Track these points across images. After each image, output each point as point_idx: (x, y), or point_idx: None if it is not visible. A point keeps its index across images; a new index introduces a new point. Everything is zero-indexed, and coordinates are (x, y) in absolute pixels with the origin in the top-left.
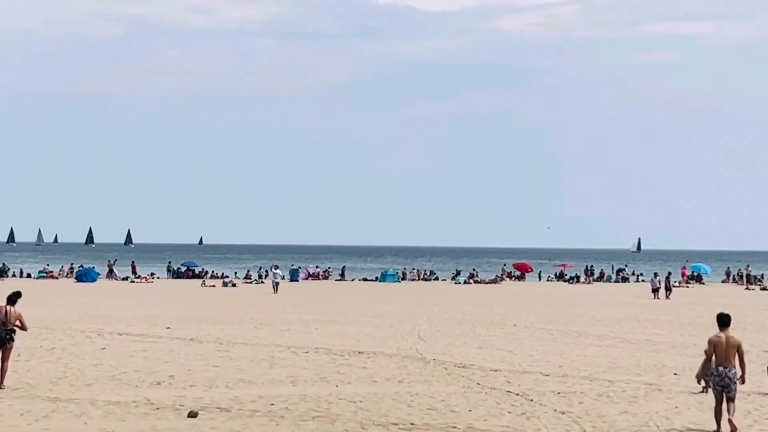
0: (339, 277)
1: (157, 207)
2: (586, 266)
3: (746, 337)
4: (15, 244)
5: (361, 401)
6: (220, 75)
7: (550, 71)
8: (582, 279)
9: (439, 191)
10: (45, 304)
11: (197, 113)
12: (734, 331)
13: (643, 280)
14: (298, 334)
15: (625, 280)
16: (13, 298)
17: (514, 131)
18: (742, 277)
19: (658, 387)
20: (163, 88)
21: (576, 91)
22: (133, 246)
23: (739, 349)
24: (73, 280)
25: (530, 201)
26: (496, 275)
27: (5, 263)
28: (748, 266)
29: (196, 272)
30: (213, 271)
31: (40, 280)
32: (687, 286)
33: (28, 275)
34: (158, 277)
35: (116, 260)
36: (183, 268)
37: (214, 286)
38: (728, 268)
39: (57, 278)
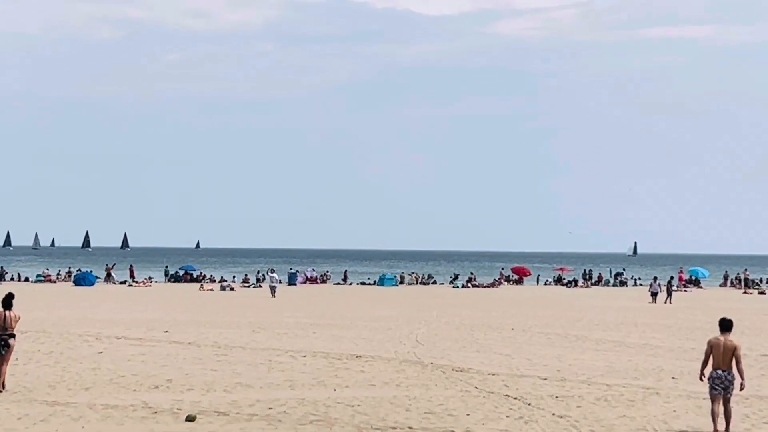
0: (341, 281)
1: (154, 211)
2: (584, 270)
3: (744, 340)
4: (11, 248)
5: (359, 405)
6: (219, 78)
7: (549, 75)
8: (580, 283)
9: (438, 195)
10: (43, 307)
11: (195, 116)
12: (732, 335)
13: (641, 284)
14: (296, 337)
15: (623, 284)
16: (9, 301)
17: (512, 135)
18: (740, 281)
19: (656, 391)
20: (162, 91)
21: (575, 95)
22: (129, 250)
23: (735, 353)
24: (71, 283)
25: (528, 204)
26: (494, 279)
27: (3, 267)
28: (746, 270)
29: (194, 276)
30: (212, 276)
31: (38, 284)
32: (685, 290)
33: (26, 279)
34: (156, 281)
35: (114, 264)
36: (181, 272)
37: (212, 289)
38: (726, 272)
39: (55, 282)
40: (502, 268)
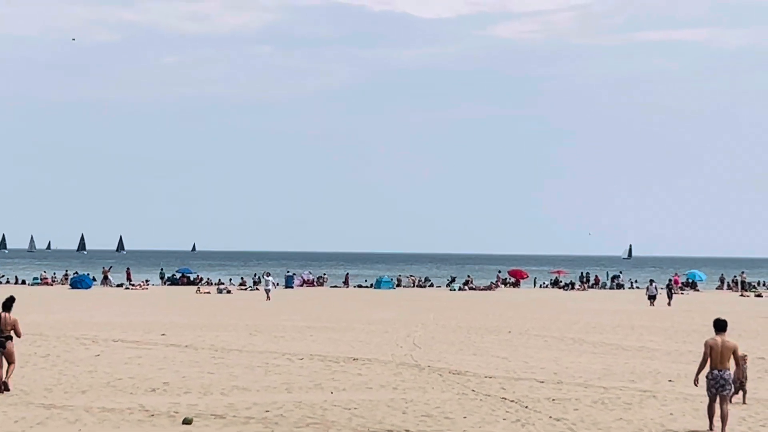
0: (343, 284)
1: (150, 213)
2: (581, 273)
3: (741, 343)
4: (7, 251)
5: (356, 408)
6: (216, 81)
7: (546, 78)
8: (577, 286)
9: (434, 198)
10: (40, 310)
11: (192, 119)
12: (729, 338)
13: (638, 287)
14: (293, 340)
15: (620, 287)
16: (8, 303)
17: (509, 138)
18: (736, 283)
19: (653, 394)
20: (159, 94)
21: (573, 98)
22: (125, 252)
23: (735, 353)
24: (68, 286)
25: (524, 207)
26: (491, 282)
27: None
28: (743, 273)
29: (191, 279)
30: (209, 279)
31: (35, 287)
32: (682, 293)
33: (23, 282)
34: (153, 284)
35: (111, 267)
36: (178, 275)
37: (208, 292)
38: (723, 274)
39: (52, 285)
40: (499, 271)
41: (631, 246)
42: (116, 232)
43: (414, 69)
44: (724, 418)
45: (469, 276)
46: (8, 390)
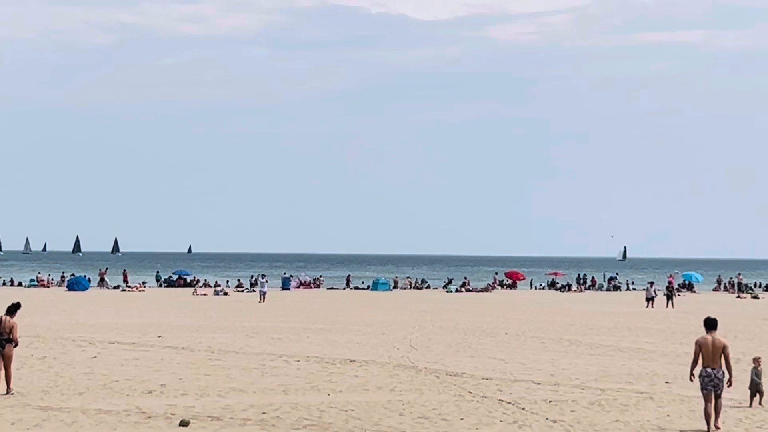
0: (345, 286)
1: (146, 215)
2: (578, 274)
3: (737, 345)
4: (2, 253)
5: (352, 410)
6: (213, 83)
7: (543, 80)
8: (573, 287)
9: (431, 199)
10: (36, 312)
11: (188, 121)
12: (722, 336)
13: (634, 289)
14: (290, 342)
15: (616, 288)
16: (13, 309)
17: (506, 139)
18: (733, 285)
19: (650, 395)
20: (155, 96)
21: (570, 99)
22: (120, 254)
23: (724, 351)
24: (65, 288)
25: (519, 209)
26: (488, 283)
27: None
28: (739, 274)
29: (188, 281)
30: (206, 280)
31: (32, 289)
32: (679, 295)
33: (19, 284)
34: (149, 286)
35: (107, 269)
36: (174, 277)
37: (205, 294)
38: (720, 276)
39: (48, 287)
40: (496, 273)
41: (625, 248)
42: (111, 234)
43: (411, 71)
44: (717, 410)
45: (465, 278)
46: (12, 393)
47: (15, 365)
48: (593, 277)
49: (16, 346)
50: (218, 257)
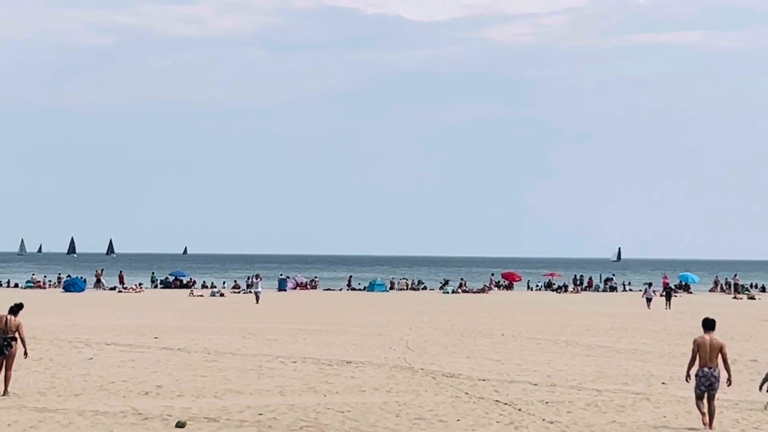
0: (346, 287)
1: (141, 216)
2: (574, 275)
3: (734, 346)
4: None
5: (349, 411)
6: (209, 84)
7: (540, 81)
8: (570, 288)
9: (428, 200)
10: (32, 314)
11: (187, 122)
12: (719, 337)
13: (630, 290)
14: (286, 343)
15: (613, 289)
16: (16, 309)
17: (503, 140)
18: (729, 286)
19: (646, 396)
20: (152, 97)
21: (566, 100)
22: (115, 256)
23: (722, 351)
24: (61, 289)
25: (515, 210)
26: (485, 284)
27: None
28: (735, 275)
29: (184, 282)
30: (204, 282)
31: (28, 290)
32: (675, 296)
33: (16, 285)
34: (145, 287)
35: (104, 270)
36: (171, 278)
37: (201, 296)
38: (717, 277)
39: (44, 288)
40: (492, 274)
41: (620, 249)
42: (106, 235)
43: (408, 72)
44: (711, 413)
45: (462, 279)
46: (6, 395)
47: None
48: (590, 278)
49: (25, 350)
50: (214, 258)
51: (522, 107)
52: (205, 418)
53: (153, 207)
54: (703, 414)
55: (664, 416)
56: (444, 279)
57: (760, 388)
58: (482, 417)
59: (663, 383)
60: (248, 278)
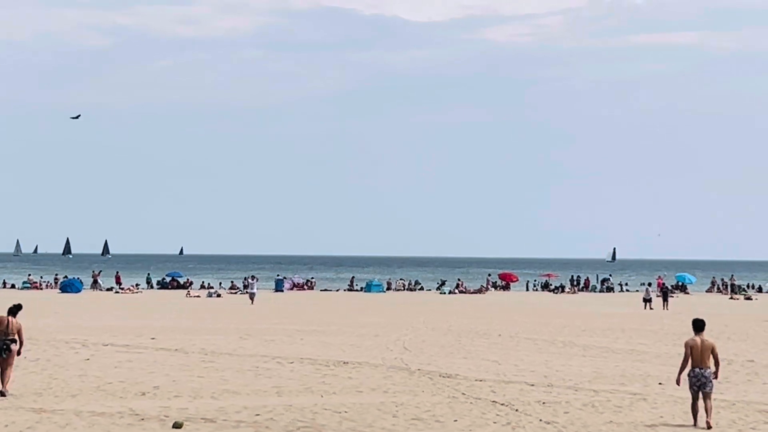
0: (348, 287)
1: (137, 217)
2: (572, 276)
3: (731, 346)
4: None
5: (346, 412)
6: (208, 85)
7: (537, 82)
8: (567, 289)
9: (425, 201)
10: (29, 314)
11: (185, 123)
12: (719, 341)
13: (627, 290)
14: (284, 344)
15: (610, 289)
16: (15, 310)
17: (500, 141)
18: (726, 286)
19: (643, 397)
20: (150, 98)
21: (563, 101)
22: (110, 257)
23: (713, 351)
24: (58, 290)
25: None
26: (482, 285)
27: None
28: (732, 276)
29: (181, 283)
30: (203, 282)
31: (25, 291)
32: (672, 296)
33: (12, 286)
34: (143, 288)
35: (101, 271)
36: (167, 279)
37: (198, 296)
38: (713, 277)
39: (41, 289)
40: (489, 275)
41: (615, 249)
42: (101, 236)
43: (406, 73)
44: (708, 410)
45: (459, 279)
46: (4, 396)
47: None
48: (587, 279)
49: (20, 349)
50: (210, 259)
51: (520, 108)
52: (202, 418)
53: (149, 207)
54: (695, 417)
55: (661, 416)
56: (441, 280)
57: None
58: (479, 417)
59: (660, 383)
60: (245, 279)
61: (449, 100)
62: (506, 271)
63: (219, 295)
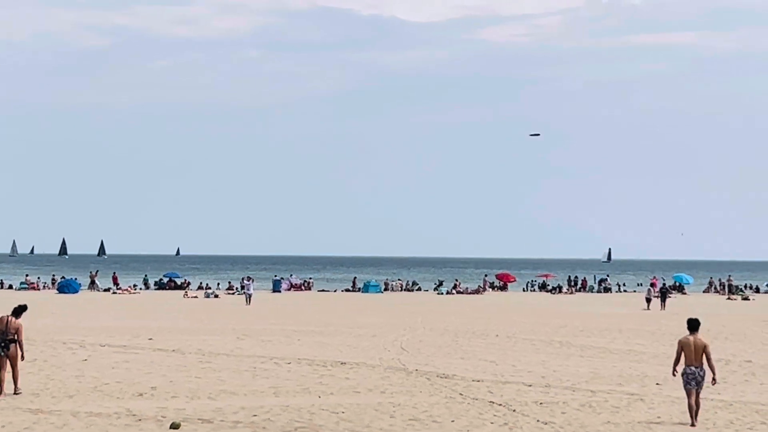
0: (350, 288)
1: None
2: (569, 276)
3: (728, 346)
4: None
5: (343, 412)
6: (206, 85)
7: (536, 82)
8: (564, 289)
9: (423, 201)
10: (27, 315)
11: (183, 123)
12: (716, 341)
13: (624, 290)
14: (281, 344)
15: (607, 290)
16: (19, 310)
17: (498, 142)
18: (724, 287)
19: (641, 397)
20: (148, 98)
21: (561, 101)
22: (106, 257)
23: (705, 350)
24: (55, 291)
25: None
26: (479, 285)
27: None
28: (729, 276)
29: (178, 283)
30: (200, 283)
31: (22, 291)
32: (669, 296)
33: (10, 286)
34: (141, 289)
35: (98, 271)
36: (165, 279)
37: (196, 297)
38: (711, 278)
39: (38, 289)
40: (486, 275)
41: (610, 249)
42: (98, 236)
43: (405, 73)
44: (697, 406)
45: (456, 280)
46: (19, 392)
47: (7, 368)
48: (584, 279)
49: (23, 354)
50: (207, 259)
51: (517, 108)
52: (199, 419)
53: (145, 207)
54: (691, 411)
55: (659, 417)
56: (438, 280)
57: None
58: (477, 418)
59: (657, 384)
60: (242, 279)
61: (448, 100)
62: (503, 272)
63: (216, 296)
